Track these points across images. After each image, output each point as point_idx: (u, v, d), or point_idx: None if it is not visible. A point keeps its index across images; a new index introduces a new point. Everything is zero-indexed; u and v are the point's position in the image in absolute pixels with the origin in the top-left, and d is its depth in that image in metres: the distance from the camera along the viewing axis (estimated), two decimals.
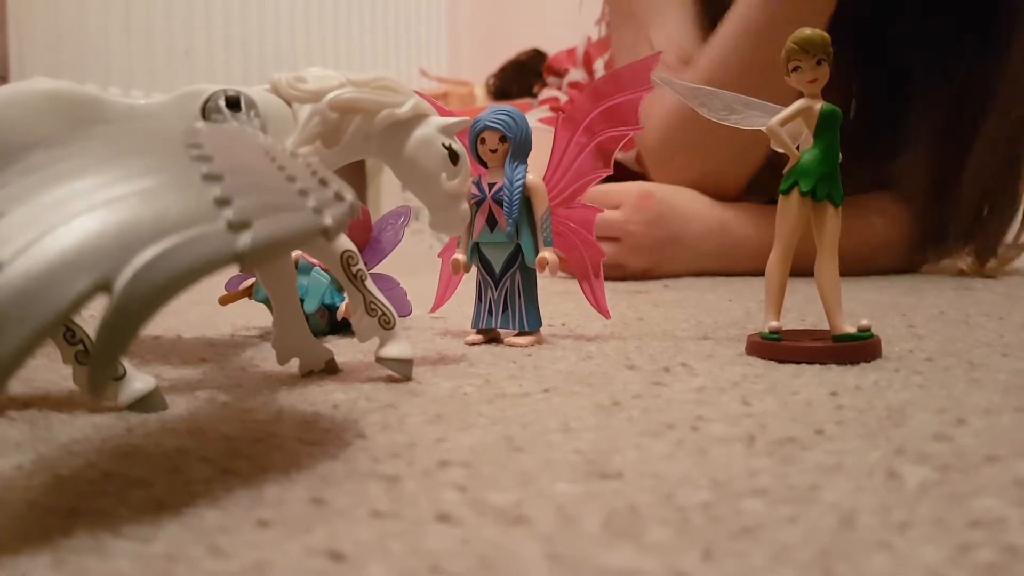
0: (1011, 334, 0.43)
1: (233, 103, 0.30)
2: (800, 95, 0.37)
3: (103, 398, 0.27)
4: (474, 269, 0.43)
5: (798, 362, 0.36)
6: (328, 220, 0.20)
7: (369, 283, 0.32)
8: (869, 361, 0.36)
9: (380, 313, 0.32)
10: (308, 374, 0.34)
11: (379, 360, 0.32)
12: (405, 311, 0.49)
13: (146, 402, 0.28)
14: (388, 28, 2.13)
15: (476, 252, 0.42)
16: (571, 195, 0.44)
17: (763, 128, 0.37)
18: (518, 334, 0.42)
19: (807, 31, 0.36)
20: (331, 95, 0.31)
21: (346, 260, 0.32)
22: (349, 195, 0.21)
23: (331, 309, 0.44)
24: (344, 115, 0.32)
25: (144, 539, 0.17)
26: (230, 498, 0.19)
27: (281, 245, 0.19)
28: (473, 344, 0.42)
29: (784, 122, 0.36)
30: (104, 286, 0.16)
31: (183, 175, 0.19)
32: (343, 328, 0.45)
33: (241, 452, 0.23)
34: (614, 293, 0.65)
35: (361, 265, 0.32)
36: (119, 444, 0.24)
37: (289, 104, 0.32)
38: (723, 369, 0.35)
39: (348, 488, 0.20)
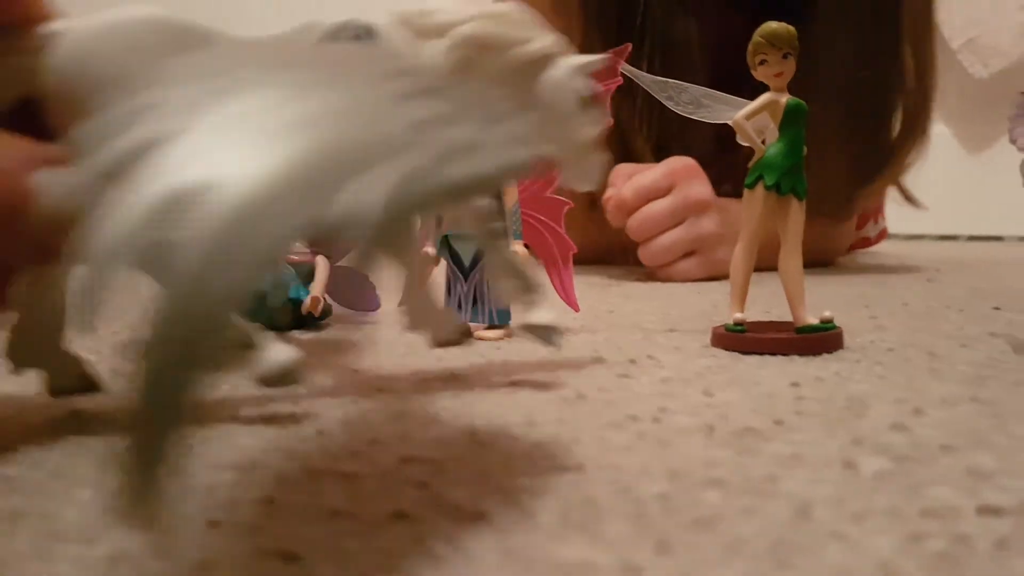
0: (972, 325, 0.44)
1: (367, 35, 0.27)
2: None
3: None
4: (443, 262, 0.43)
5: (762, 354, 0.36)
6: (522, 156, 0.17)
7: (510, 242, 0.30)
8: (832, 352, 0.36)
9: (522, 276, 0.29)
10: (441, 345, 0.32)
11: (523, 328, 0.30)
12: (373, 305, 0.48)
13: (285, 377, 0.24)
14: None
15: (445, 245, 0.42)
16: (540, 187, 0.44)
17: (729, 122, 0.37)
18: (488, 328, 0.42)
19: (773, 25, 0.36)
20: (460, 29, 0.28)
21: (485, 215, 0.29)
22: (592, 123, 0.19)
23: (296, 303, 0.43)
24: (476, 51, 0.28)
25: (88, 541, 0.17)
26: (180, 497, 0.19)
27: (497, 178, 0.17)
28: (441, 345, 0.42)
29: (749, 116, 0.37)
30: (319, 221, 0.13)
31: (387, 86, 0.17)
32: (308, 323, 0.45)
33: (194, 450, 0.22)
34: (586, 286, 0.65)
35: (501, 221, 0.30)
36: (69, 442, 0.23)
37: (418, 40, 0.28)
38: (688, 361, 0.35)
39: (304, 487, 0.20)
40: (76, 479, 0.20)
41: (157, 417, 0.13)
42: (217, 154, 0.14)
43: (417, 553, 0.16)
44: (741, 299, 0.38)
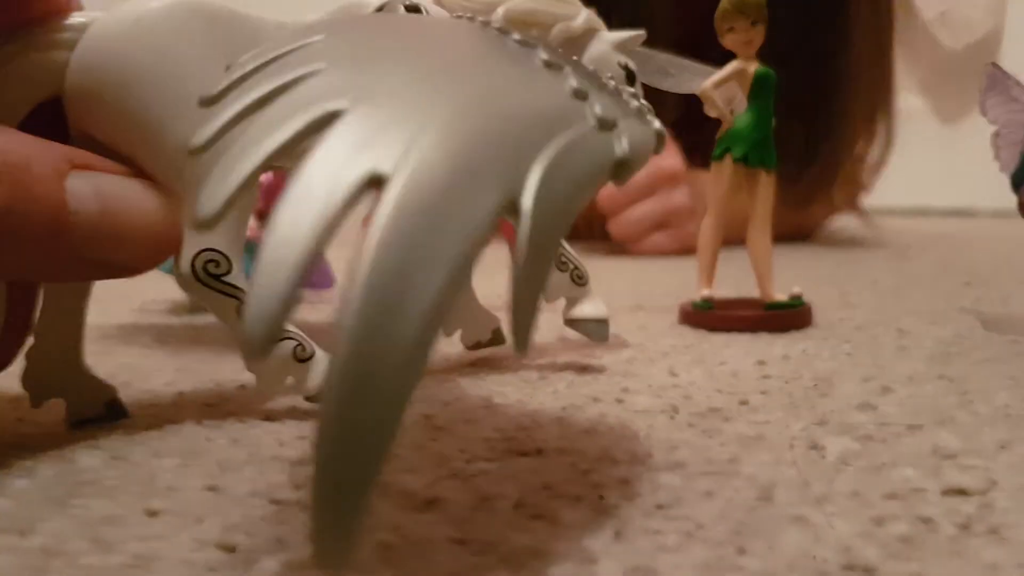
0: (941, 302, 0.44)
1: (415, 12, 0.26)
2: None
3: (299, 380, 0.23)
4: None
5: (729, 331, 0.35)
6: (658, 125, 0.16)
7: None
8: (800, 329, 0.36)
9: (572, 267, 0.29)
10: (475, 346, 0.30)
11: (570, 322, 0.29)
12: (328, 283, 0.47)
13: None
14: None
15: None
16: None
17: (696, 91, 0.36)
18: None
19: None
20: (506, 5, 0.27)
21: None
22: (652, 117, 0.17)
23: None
24: (519, 28, 0.26)
25: (22, 532, 0.16)
26: (119, 487, 0.18)
27: (645, 156, 0.15)
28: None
29: (717, 84, 0.36)
30: (511, 204, 0.12)
31: (519, 62, 0.15)
32: None
33: (135, 439, 0.21)
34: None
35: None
36: (5, 433, 0.22)
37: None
38: (654, 340, 0.34)
39: (248, 475, 0.19)
40: (11, 469, 0.19)
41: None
42: (393, 134, 0.12)
43: (364, 542, 0.15)
44: (709, 275, 0.38)
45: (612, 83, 0.17)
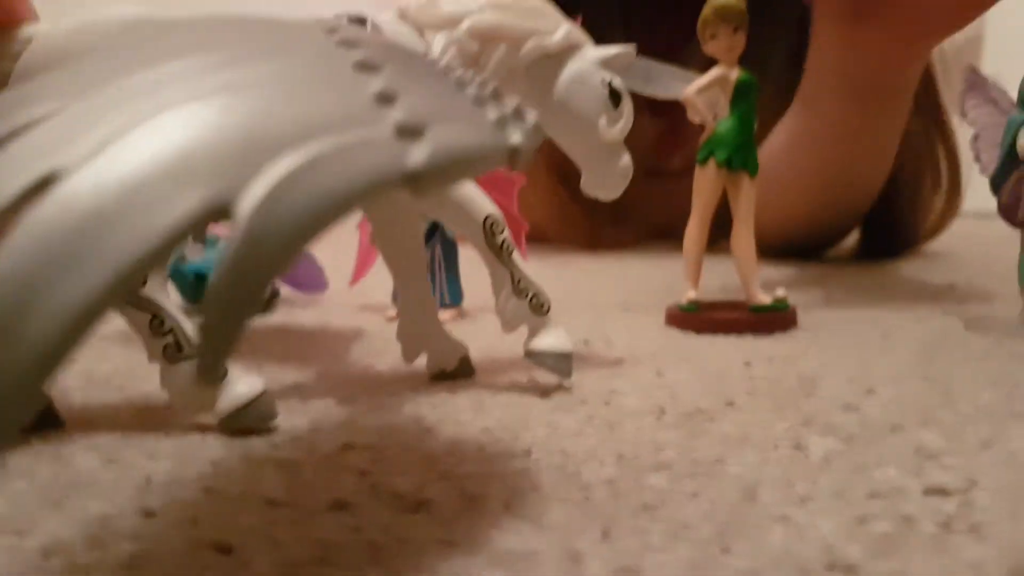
0: (925, 303, 0.44)
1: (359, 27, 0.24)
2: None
3: (207, 401, 0.22)
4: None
5: (715, 333, 0.36)
6: (516, 138, 0.15)
7: (517, 257, 0.27)
8: (786, 331, 0.36)
9: (531, 295, 0.27)
10: (439, 375, 0.28)
11: (530, 355, 0.27)
12: (321, 286, 0.47)
13: (251, 411, 0.22)
14: None
15: None
16: None
17: (679, 97, 0.37)
18: (439, 308, 0.42)
19: None
20: (470, 20, 0.26)
21: (490, 227, 0.26)
22: (530, 113, 0.16)
23: None
24: (485, 44, 0.26)
25: (20, 533, 0.16)
26: (115, 488, 0.18)
27: (464, 164, 0.13)
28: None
29: (700, 91, 0.36)
30: (221, 209, 0.11)
31: (326, 59, 0.14)
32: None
33: (131, 441, 0.22)
34: (542, 266, 0.65)
35: (508, 235, 0.27)
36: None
37: (421, 33, 0.26)
38: (641, 341, 0.35)
39: (242, 475, 0.19)
40: (8, 471, 0.19)
41: None
42: (93, 132, 0.11)
43: (355, 543, 0.15)
44: (695, 277, 0.38)
45: (478, 90, 0.16)
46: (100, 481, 0.19)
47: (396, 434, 0.22)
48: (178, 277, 0.43)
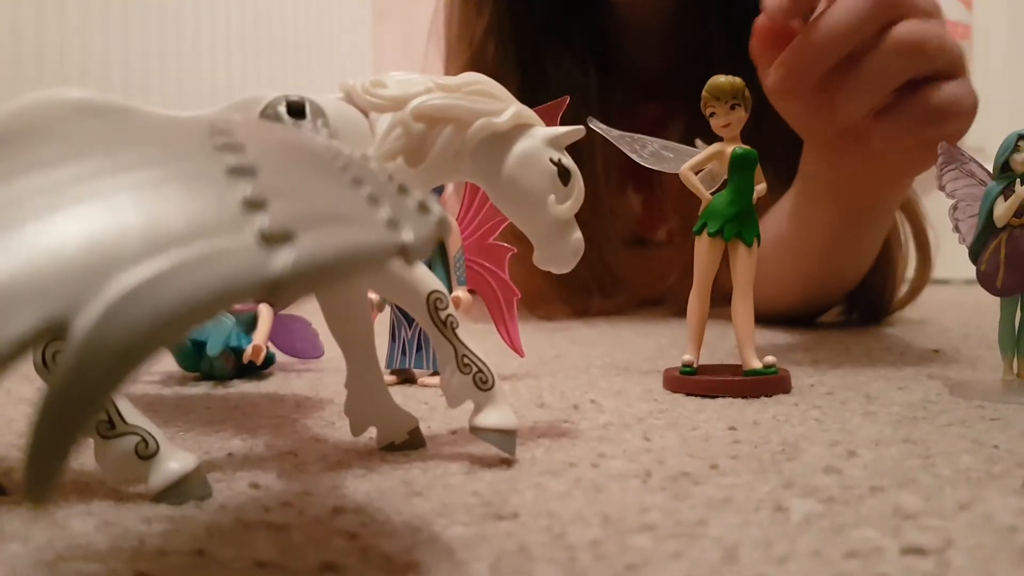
0: (910, 368, 0.45)
1: (296, 110, 0.25)
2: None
3: (139, 476, 0.22)
4: (388, 308, 0.43)
5: (712, 396, 0.37)
6: (407, 236, 0.14)
7: (461, 332, 0.27)
8: (778, 394, 0.37)
9: (476, 370, 0.26)
10: (388, 447, 0.28)
11: (474, 430, 0.26)
12: (317, 352, 0.48)
13: (183, 488, 0.22)
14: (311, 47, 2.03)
15: None
16: (484, 234, 0.45)
17: (678, 172, 0.39)
18: (432, 374, 0.42)
19: (720, 79, 0.38)
20: (416, 102, 0.26)
21: (433, 303, 0.26)
22: (436, 208, 0.16)
23: (237, 352, 0.43)
24: (432, 126, 0.26)
25: None
26: (110, 551, 0.19)
27: (337, 269, 0.13)
28: (390, 384, 0.42)
29: (696, 168, 0.39)
30: (57, 326, 0.11)
31: (197, 166, 0.14)
32: (249, 372, 0.44)
33: (126, 505, 0.22)
34: (534, 331, 0.66)
35: (452, 311, 0.27)
36: (4, 500, 0.23)
37: (366, 115, 0.26)
38: (630, 405, 0.35)
39: (234, 539, 0.19)
40: (5, 534, 0.20)
41: None
42: None
43: None
44: (696, 343, 0.39)
45: (375, 188, 0.16)
46: (95, 544, 0.19)
47: (386, 498, 0.22)
48: (176, 346, 0.43)
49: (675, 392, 0.38)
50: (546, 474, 0.25)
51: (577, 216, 0.28)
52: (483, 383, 0.26)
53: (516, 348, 0.45)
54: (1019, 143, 0.35)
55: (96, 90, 0.23)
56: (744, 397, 0.36)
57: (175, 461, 0.22)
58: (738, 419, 0.32)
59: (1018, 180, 0.35)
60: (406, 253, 0.14)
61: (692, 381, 0.38)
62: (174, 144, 0.15)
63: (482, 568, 0.18)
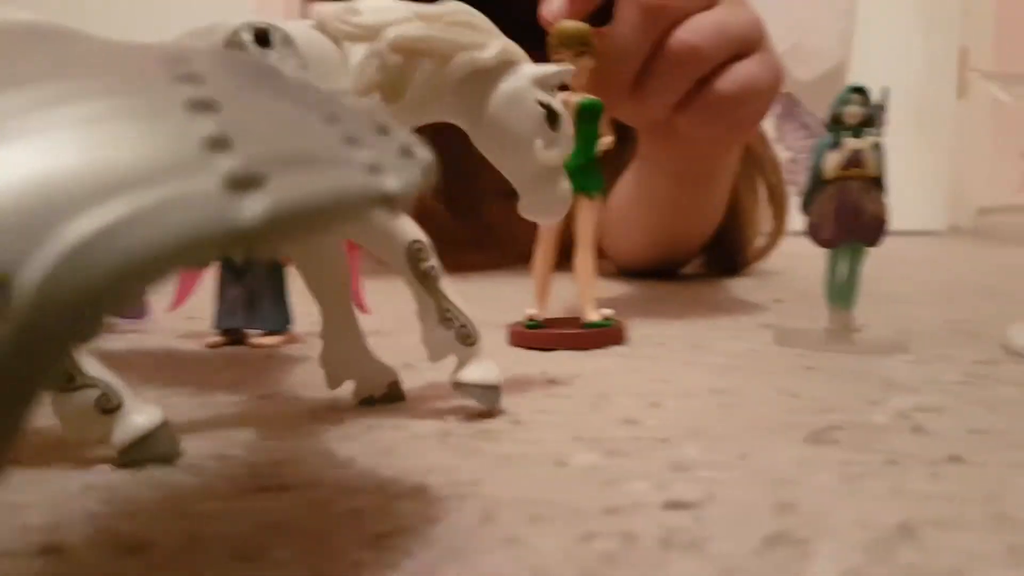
0: (747, 317, 0.45)
1: (262, 38, 0.22)
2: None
3: (102, 431, 0.21)
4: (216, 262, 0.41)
5: (550, 350, 0.36)
6: (391, 183, 0.13)
7: (443, 284, 0.25)
8: (613, 346, 0.37)
9: (459, 325, 0.25)
10: (366, 401, 0.27)
11: (457, 386, 0.25)
12: (142, 312, 0.45)
13: (150, 443, 0.21)
14: None
15: None
16: None
17: None
18: (266, 334, 0.41)
19: (567, 24, 0.37)
20: (392, 32, 0.24)
21: (414, 253, 0.25)
22: (421, 150, 0.15)
23: None
24: (409, 59, 0.24)
25: None
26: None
27: (313, 219, 0.12)
28: (214, 346, 0.40)
29: None
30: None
31: (151, 98, 0.12)
32: None
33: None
34: (385, 286, 0.64)
35: (434, 261, 0.25)
36: None
37: (338, 44, 0.24)
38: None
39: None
40: None
41: None
42: None
43: None
44: (542, 296, 0.39)
45: (354, 125, 0.14)
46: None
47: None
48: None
49: (517, 347, 0.38)
50: (342, 440, 0.23)
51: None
52: (467, 338, 0.25)
53: (359, 304, 0.44)
54: (852, 96, 0.35)
55: (45, 16, 0.20)
56: (581, 349, 0.36)
57: (140, 415, 0.21)
58: (563, 372, 0.31)
59: (847, 133, 0.36)
60: (389, 202, 0.13)
61: (531, 335, 0.38)
62: (126, 74, 0.13)
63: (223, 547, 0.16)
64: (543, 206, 0.28)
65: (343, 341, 0.27)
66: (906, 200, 0.63)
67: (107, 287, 0.10)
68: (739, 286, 0.62)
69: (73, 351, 0.10)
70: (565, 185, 0.27)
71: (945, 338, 0.38)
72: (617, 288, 0.59)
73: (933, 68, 1.60)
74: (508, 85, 0.26)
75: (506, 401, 0.27)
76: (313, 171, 0.12)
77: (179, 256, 0.10)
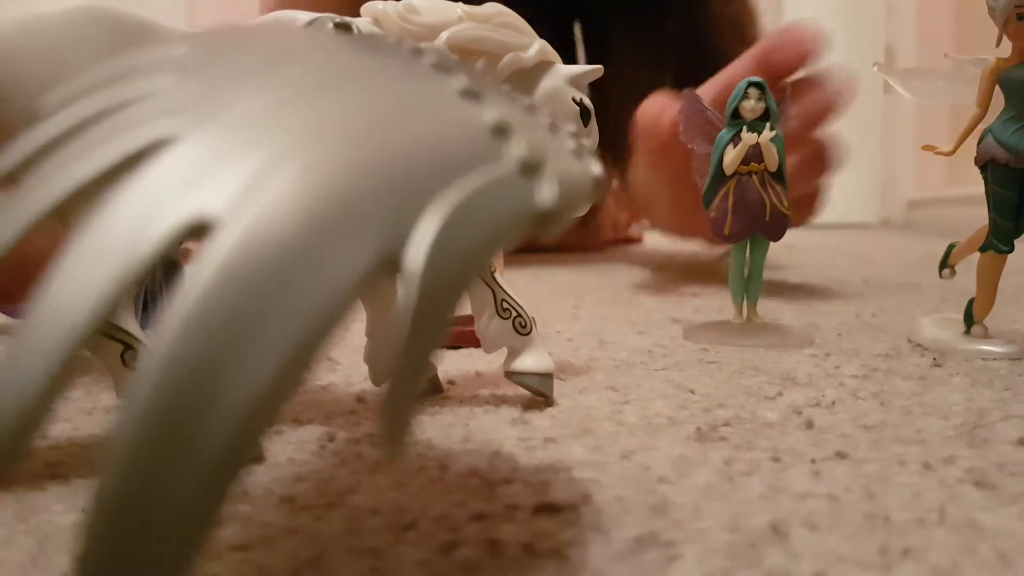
0: (661, 311, 0.45)
1: (345, 30, 0.22)
2: None
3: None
4: None
5: (456, 347, 0.36)
6: (597, 168, 0.14)
7: (499, 276, 0.26)
8: None
9: (515, 315, 0.26)
10: None
11: (511, 375, 0.26)
12: None
13: None
14: None
15: None
16: None
17: None
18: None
19: None
20: (450, 31, 0.25)
21: None
22: (586, 139, 0.15)
23: None
24: (465, 58, 0.25)
25: None
26: None
27: (581, 199, 0.12)
28: None
29: None
30: (390, 261, 0.09)
31: (430, 86, 0.13)
32: None
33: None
34: None
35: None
36: None
37: None
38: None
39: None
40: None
41: None
42: (233, 167, 0.10)
43: None
44: None
45: (548, 119, 0.15)
46: None
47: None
48: None
49: None
50: None
51: None
52: (522, 327, 0.26)
53: None
54: (748, 91, 0.35)
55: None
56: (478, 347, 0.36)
57: None
58: (462, 370, 0.31)
59: (744, 128, 0.36)
60: (599, 185, 0.13)
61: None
62: (380, 62, 0.13)
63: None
64: None
65: (387, 339, 0.26)
66: (838, 193, 0.64)
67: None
68: (657, 278, 0.62)
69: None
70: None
71: (853, 332, 0.38)
72: (534, 285, 0.58)
73: (860, 64, 1.63)
74: (547, 84, 0.27)
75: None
76: (563, 158, 0.13)
77: (506, 236, 0.11)
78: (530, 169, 0.11)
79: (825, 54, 0.50)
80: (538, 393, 0.26)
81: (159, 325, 0.08)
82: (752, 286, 0.36)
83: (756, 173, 0.35)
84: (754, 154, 0.35)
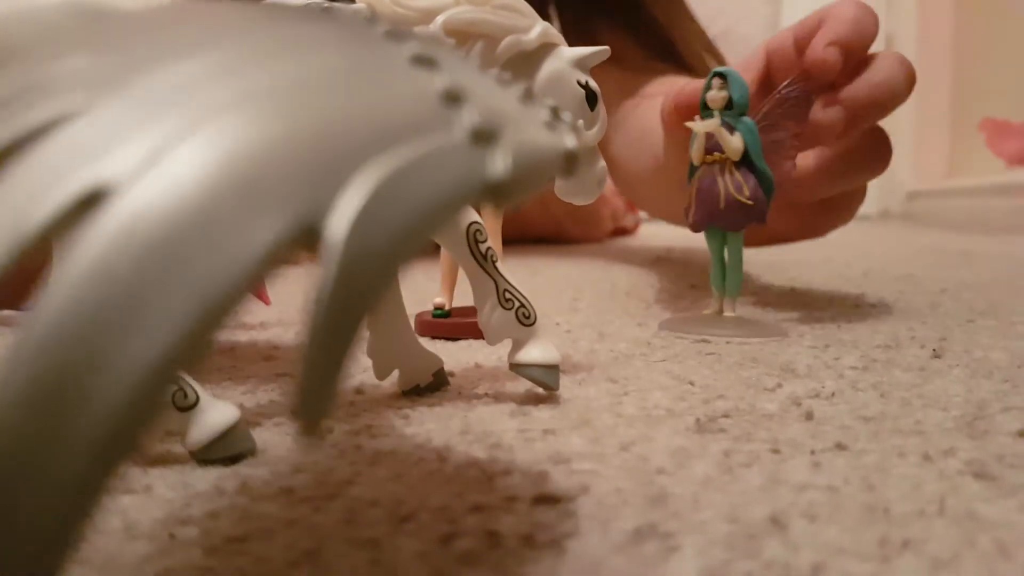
0: (658, 304, 0.45)
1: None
2: None
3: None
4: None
5: (455, 339, 0.36)
6: (571, 140, 0.13)
7: (501, 266, 0.25)
8: None
9: (518, 305, 0.25)
10: (412, 390, 0.27)
11: (516, 367, 0.25)
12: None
13: (226, 443, 0.20)
14: None
15: None
16: None
17: None
18: None
19: None
20: (446, 14, 0.24)
21: (473, 236, 0.25)
22: (567, 114, 0.14)
23: None
24: (462, 42, 0.25)
25: None
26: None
27: (540, 171, 0.12)
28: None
29: None
30: (308, 232, 0.09)
31: (378, 52, 0.12)
32: None
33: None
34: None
35: (491, 243, 0.25)
36: None
37: None
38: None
39: None
40: None
41: None
42: (138, 138, 0.09)
43: None
44: (448, 285, 0.38)
45: (521, 88, 0.14)
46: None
47: None
48: None
49: (423, 336, 0.37)
50: None
51: None
52: (526, 318, 0.25)
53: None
54: (713, 81, 0.35)
55: None
56: (475, 338, 0.36)
57: (216, 413, 0.20)
58: (462, 361, 0.31)
59: (697, 118, 0.35)
60: (571, 159, 0.13)
61: (438, 324, 0.37)
62: (326, 25, 0.13)
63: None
64: (582, 186, 0.27)
65: (390, 332, 0.26)
66: None
67: (404, 236, 0.09)
68: (659, 271, 0.62)
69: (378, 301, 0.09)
70: (602, 165, 0.27)
71: (852, 323, 0.38)
72: (532, 277, 0.58)
73: None
74: (549, 67, 0.26)
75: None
76: (525, 128, 0.12)
77: (450, 208, 0.10)
78: (483, 137, 0.11)
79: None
80: (544, 385, 0.25)
81: (38, 300, 0.08)
82: (730, 278, 0.36)
83: (718, 163, 0.35)
84: (716, 144, 0.35)
